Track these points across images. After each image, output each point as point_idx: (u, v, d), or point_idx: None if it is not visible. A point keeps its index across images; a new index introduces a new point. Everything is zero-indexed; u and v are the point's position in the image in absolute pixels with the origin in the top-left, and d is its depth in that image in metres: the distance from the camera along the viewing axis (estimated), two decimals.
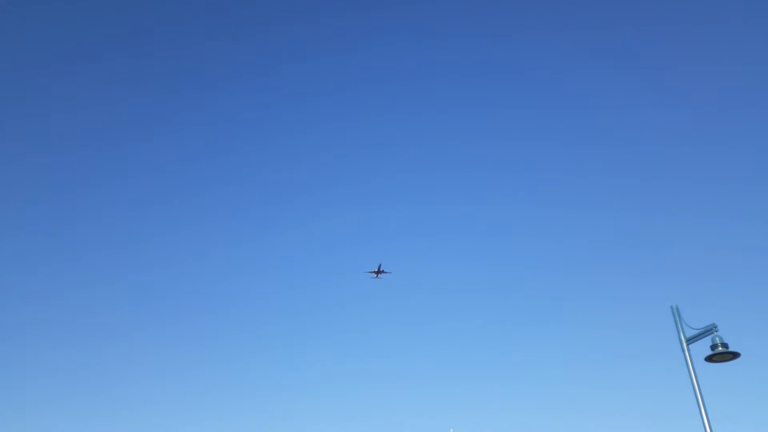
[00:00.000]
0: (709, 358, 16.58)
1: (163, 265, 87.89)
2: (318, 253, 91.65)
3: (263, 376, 75.68)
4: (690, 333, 16.96)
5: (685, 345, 16.86)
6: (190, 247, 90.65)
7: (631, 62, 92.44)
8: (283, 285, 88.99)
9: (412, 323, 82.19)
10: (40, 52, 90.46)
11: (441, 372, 73.69)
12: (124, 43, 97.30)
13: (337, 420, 67.84)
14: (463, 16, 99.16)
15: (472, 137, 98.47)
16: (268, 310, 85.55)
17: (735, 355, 16.41)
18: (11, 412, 64.10)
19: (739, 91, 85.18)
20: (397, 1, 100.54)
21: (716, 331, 16.54)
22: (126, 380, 71.93)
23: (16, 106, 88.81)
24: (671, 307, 17.28)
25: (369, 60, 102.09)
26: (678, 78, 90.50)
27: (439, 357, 75.46)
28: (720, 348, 16.34)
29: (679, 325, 17.08)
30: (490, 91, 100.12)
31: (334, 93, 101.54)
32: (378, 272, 73.33)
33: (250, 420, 68.33)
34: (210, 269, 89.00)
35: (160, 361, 75.72)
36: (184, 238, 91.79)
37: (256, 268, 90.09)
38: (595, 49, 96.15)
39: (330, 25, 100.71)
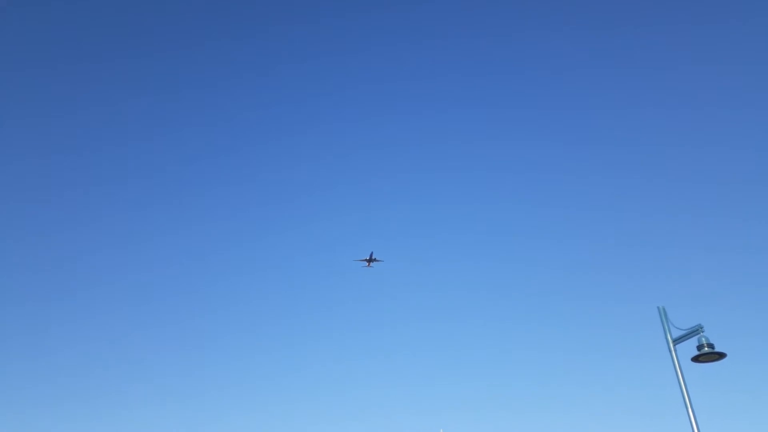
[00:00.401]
0: (696, 359, 16.72)
1: (162, 265, 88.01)
2: (318, 253, 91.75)
3: (261, 376, 75.67)
4: (677, 333, 17.10)
5: (671, 345, 16.99)
6: (190, 247, 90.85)
7: (632, 62, 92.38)
8: (283, 285, 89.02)
9: (411, 322, 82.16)
10: (40, 52, 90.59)
11: (439, 371, 73.72)
12: (124, 44, 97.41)
13: (335, 419, 67.96)
14: (463, 16, 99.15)
15: (472, 137, 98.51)
16: (267, 311, 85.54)
17: (721, 356, 16.54)
18: (12, 413, 64.35)
19: (739, 90, 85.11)
20: (397, 1, 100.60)
21: (702, 332, 16.68)
22: (125, 381, 72.17)
23: (17, 106, 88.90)
24: (658, 308, 17.40)
25: (369, 60, 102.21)
26: (678, 78, 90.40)
27: (438, 356, 75.48)
28: (706, 348, 16.46)
29: (666, 326, 17.20)
30: (490, 91, 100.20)
31: (334, 93, 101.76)
32: (369, 260, 71.93)
33: (249, 420, 68.49)
34: (209, 269, 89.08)
35: (159, 362, 75.90)
36: (183, 238, 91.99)
37: (256, 267, 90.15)
38: (595, 49, 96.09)
39: (330, 24, 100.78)
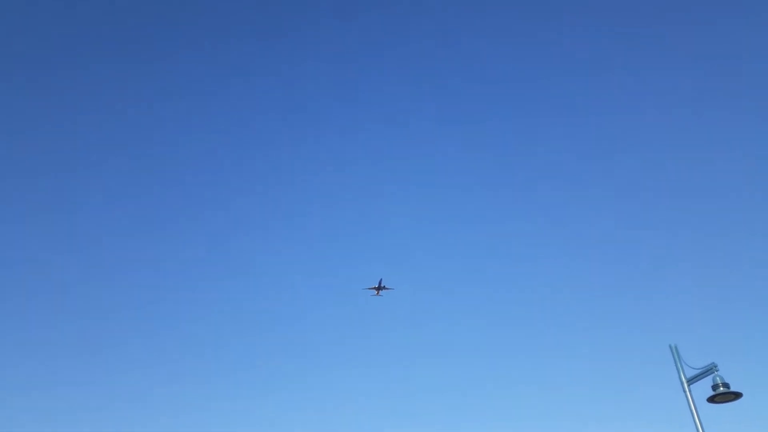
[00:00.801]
0: (711, 399, 16.27)
1: (163, 291, 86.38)
2: (321, 273, 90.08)
3: (261, 415, 73.75)
4: (690, 373, 16.67)
5: (686, 385, 16.56)
6: (190, 260, 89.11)
7: (636, 63, 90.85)
8: (283, 316, 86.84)
9: (420, 355, 79.92)
10: (39, 54, 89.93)
11: (448, 409, 71.67)
12: (124, 48, 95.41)
13: None
14: (463, 18, 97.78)
15: (481, 147, 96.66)
16: (265, 345, 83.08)
17: (737, 396, 16.10)
18: (12, 420, 63.64)
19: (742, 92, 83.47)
20: (398, 2, 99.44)
21: (716, 371, 16.26)
22: (124, 384, 71.26)
23: (17, 107, 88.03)
24: (670, 347, 17.02)
25: (373, 64, 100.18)
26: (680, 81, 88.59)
27: (446, 393, 73.38)
28: (721, 388, 16.03)
29: (679, 365, 16.79)
30: (494, 96, 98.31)
31: (333, 99, 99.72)
32: (379, 288, 68.81)
33: None
34: (200, 303, 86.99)
35: (157, 370, 74.81)
36: (183, 253, 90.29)
37: (252, 296, 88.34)
38: (596, 49, 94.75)
39: (330, 26, 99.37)
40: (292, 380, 77.02)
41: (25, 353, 72.30)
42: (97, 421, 65.97)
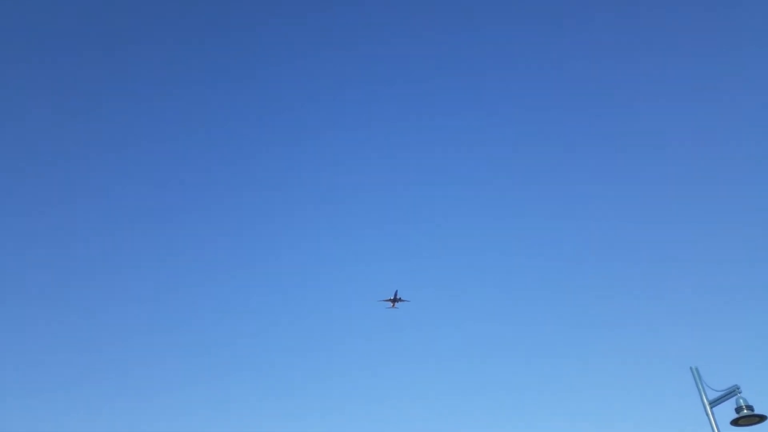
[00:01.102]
0: (735, 422, 15.91)
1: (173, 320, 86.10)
2: (329, 281, 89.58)
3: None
4: (712, 395, 16.33)
5: (708, 408, 16.21)
6: (193, 259, 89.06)
7: (635, 59, 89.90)
8: (294, 331, 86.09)
9: (435, 365, 79.19)
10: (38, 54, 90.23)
11: (468, 418, 70.75)
12: (125, 44, 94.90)
13: None
14: (464, 18, 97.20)
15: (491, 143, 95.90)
16: (274, 360, 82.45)
17: (762, 419, 15.72)
18: (12, 419, 64.09)
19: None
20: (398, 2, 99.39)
21: (740, 393, 15.90)
22: (125, 386, 71.50)
23: (14, 100, 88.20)
24: (691, 369, 16.70)
25: (371, 62, 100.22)
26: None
27: (462, 401, 72.59)
28: (745, 411, 15.67)
29: (701, 388, 16.46)
30: (495, 94, 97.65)
31: (336, 98, 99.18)
32: (394, 301, 68.08)
33: None
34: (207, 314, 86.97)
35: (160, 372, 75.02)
36: (186, 252, 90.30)
37: (263, 309, 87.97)
38: (595, 48, 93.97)
39: (333, 25, 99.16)
40: (295, 381, 77.05)
41: (24, 351, 73.26)
42: (96, 420, 66.57)
